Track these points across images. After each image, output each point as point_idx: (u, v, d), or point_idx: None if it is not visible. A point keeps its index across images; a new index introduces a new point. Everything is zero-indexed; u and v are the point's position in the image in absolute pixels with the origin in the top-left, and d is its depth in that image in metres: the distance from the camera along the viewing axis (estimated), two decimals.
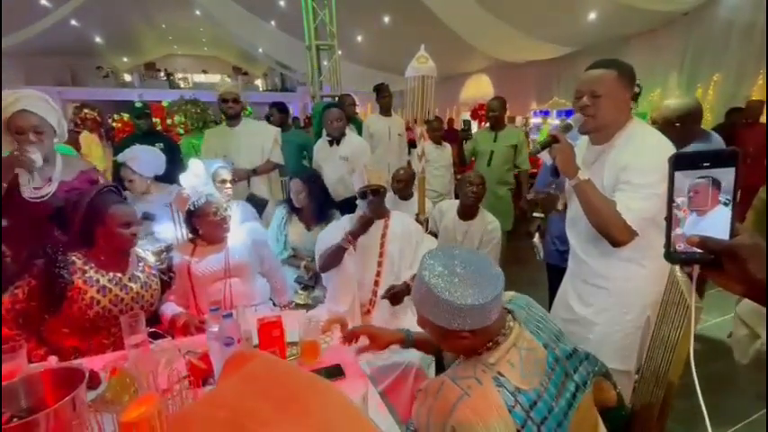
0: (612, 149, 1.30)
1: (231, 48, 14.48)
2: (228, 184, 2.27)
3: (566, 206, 1.65)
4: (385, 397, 1.18)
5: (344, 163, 2.94)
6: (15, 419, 0.81)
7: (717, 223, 0.53)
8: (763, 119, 4.11)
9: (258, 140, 2.85)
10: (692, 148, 1.97)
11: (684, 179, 0.54)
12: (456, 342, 0.84)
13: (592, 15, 6.60)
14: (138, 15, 11.45)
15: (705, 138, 2.14)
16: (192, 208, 1.67)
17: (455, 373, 0.85)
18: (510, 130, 3.32)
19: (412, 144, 3.83)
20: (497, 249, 2.43)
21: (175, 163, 3.06)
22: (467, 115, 9.50)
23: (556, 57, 8.32)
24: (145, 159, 2.21)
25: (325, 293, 1.98)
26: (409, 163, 3.57)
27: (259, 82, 17.69)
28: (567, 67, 8.27)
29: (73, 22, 10.57)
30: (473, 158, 3.40)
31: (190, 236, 1.76)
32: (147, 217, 2.01)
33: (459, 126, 9.26)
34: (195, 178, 1.73)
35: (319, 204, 2.25)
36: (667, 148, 1.26)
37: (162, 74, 15.84)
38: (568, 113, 5.15)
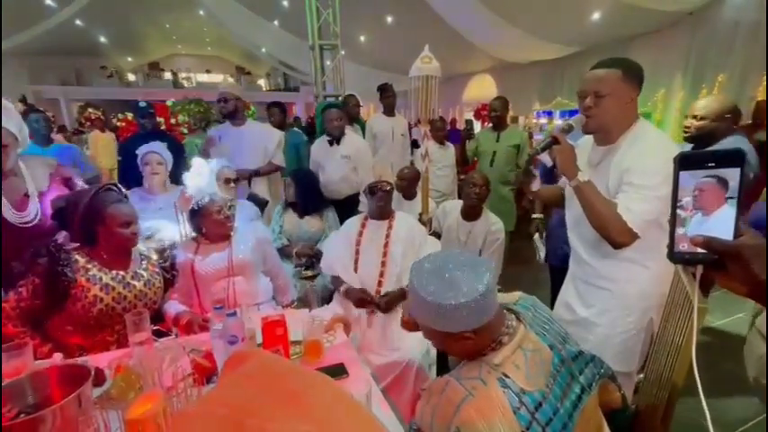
0: (618, 151, 1.28)
1: (234, 48, 14.53)
2: (232, 184, 2.28)
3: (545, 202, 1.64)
4: (387, 395, 1.18)
5: (347, 161, 2.95)
6: (22, 415, 0.82)
7: (721, 223, 0.52)
8: None
9: (262, 142, 2.87)
10: (726, 143, 1.97)
11: (689, 179, 0.54)
12: (461, 345, 0.84)
13: (596, 15, 6.58)
14: (142, 15, 11.51)
15: (735, 134, 2.10)
16: (195, 207, 1.68)
17: (459, 373, 0.85)
18: (512, 131, 3.32)
19: (414, 144, 3.84)
20: (501, 250, 2.43)
21: (179, 162, 3.07)
22: (470, 115, 9.49)
23: (559, 57, 8.30)
24: (166, 151, 2.25)
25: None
26: (412, 163, 3.57)
27: (262, 82, 17.74)
28: (571, 68, 8.25)
29: (77, 22, 10.63)
30: (475, 158, 3.40)
31: (193, 234, 1.77)
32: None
33: (461, 126, 9.26)
34: (199, 177, 1.74)
35: (308, 199, 2.50)
36: (671, 149, 1.24)
37: (166, 73, 15.90)
38: (572, 114, 5.14)
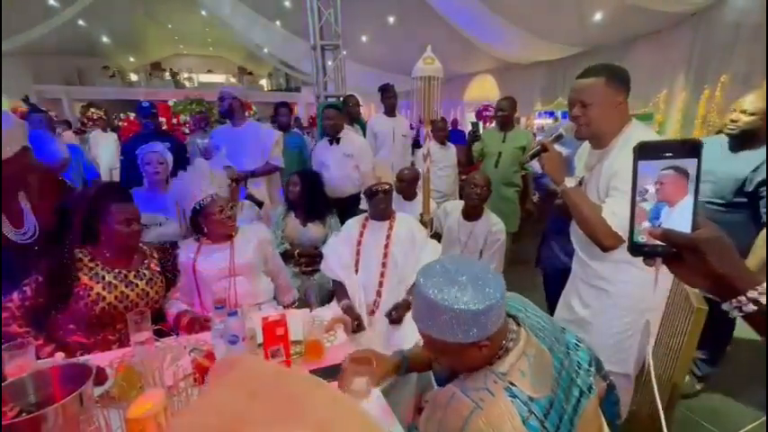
0: (609, 154, 1.31)
1: (236, 48, 14.54)
2: (233, 184, 2.29)
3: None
4: (387, 396, 1.18)
5: (349, 160, 2.96)
6: (24, 414, 0.82)
7: (680, 215, 0.52)
8: None
9: (258, 142, 2.86)
10: None
11: (649, 169, 0.54)
12: (474, 355, 0.79)
13: (598, 16, 6.57)
14: (144, 16, 11.54)
15: None
16: (197, 207, 1.68)
17: (464, 384, 0.81)
18: (519, 132, 3.30)
19: (416, 144, 3.84)
20: (501, 251, 2.43)
21: (182, 162, 3.08)
22: (472, 117, 9.47)
23: (561, 57, 8.28)
24: (166, 151, 2.28)
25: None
26: (413, 163, 3.57)
27: (264, 82, 17.76)
28: (573, 68, 8.22)
29: (80, 23, 10.65)
30: (480, 159, 3.39)
31: (195, 234, 1.77)
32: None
33: (462, 126, 9.25)
34: (201, 177, 1.74)
35: (313, 200, 2.42)
36: None
37: (168, 74, 15.93)
38: None
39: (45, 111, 3.55)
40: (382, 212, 1.93)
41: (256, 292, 1.77)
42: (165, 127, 6.38)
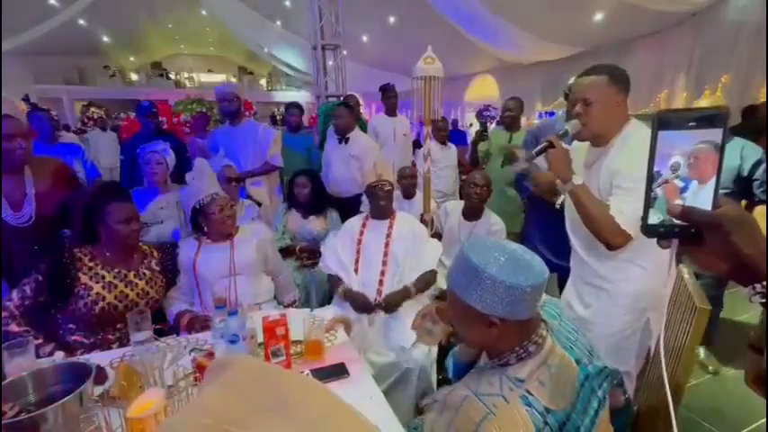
0: (609, 152, 1.31)
1: (237, 47, 14.55)
2: (234, 183, 2.29)
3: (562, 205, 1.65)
4: (388, 396, 1.18)
5: (354, 161, 2.96)
6: (24, 413, 0.82)
7: (701, 193, 0.48)
8: None
9: (256, 142, 2.85)
10: None
11: (671, 140, 0.49)
12: (484, 331, 0.79)
13: (598, 16, 6.57)
14: (144, 15, 11.55)
15: None
16: (197, 206, 1.68)
17: (479, 387, 0.79)
18: (524, 132, 3.29)
19: (416, 144, 3.84)
20: None
21: (182, 161, 3.07)
22: (473, 117, 9.48)
23: (562, 57, 8.29)
24: (167, 151, 2.27)
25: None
26: (413, 163, 3.57)
27: (264, 82, 17.76)
28: (574, 69, 8.16)
29: (81, 22, 10.67)
30: (485, 159, 3.37)
31: (195, 233, 1.77)
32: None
33: (463, 127, 9.25)
34: (202, 177, 1.74)
35: (318, 200, 2.49)
36: None
37: (168, 73, 15.94)
38: None
39: (47, 110, 3.54)
40: (383, 211, 1.93)
41: (257, 292, 1.77)
42: (165, 126, 6.38)
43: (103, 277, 1.45)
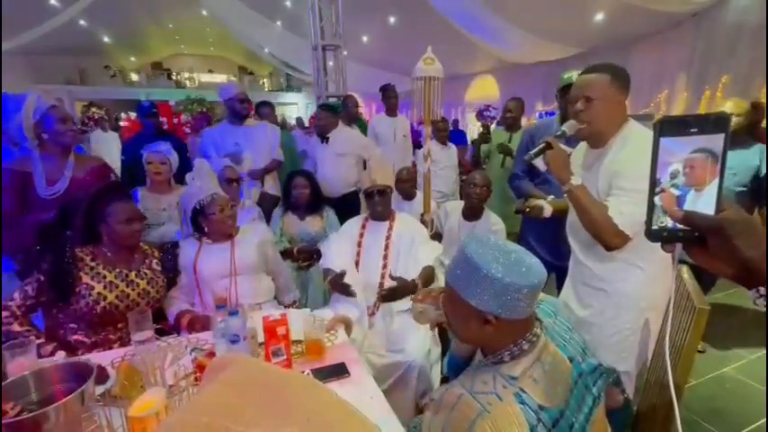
0: (608, 153, 1.31)
1: (237, 48, 14.56)
2: (235, 183, 2.29)
3: (554, 214, 1.67)
4: (388, 395, 1.18)
5: (342, 159, 2.96)
6: (26, 413, 0.82)
7: (704, 197, 0.48)
8: None
9: (267, 140, 2.88)
10: None
11: (672, 147, 0.49)
12: (479, 328, 0.80)
13: (599, 16, 6.57)
14: (145, 15, 11.56)
15: None
16: (198, 206, 1.69)
17: (473, 386, 0.80)
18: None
19: (417, 145, 3.84)
20: None
21: (182, 162, 3.07)
22: (473, 117, 9.47)
23: (562, 58, 8.29)
24: (170, 151, 2.28)
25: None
26: (414, 163, 3.57)
27: (264, 82, 17.77)
28: (574, 69, 8.22)
29: (81, 22, 10.69)
30: (486, 159, 3.37)
31: (196, 234, 1.78)
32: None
33: (463, 127, 9.25)
34: (202, 177, 1.75)
35: (315, 199, 2.48)
36: None
37: (169, 73, 15.95)
38: None
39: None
40: (381, 213, 1.94)
41: (257, 292, 1.77)
42: (165, 126, 6.39)
43: (105, 277, 1.46)
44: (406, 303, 1.75)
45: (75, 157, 1.89)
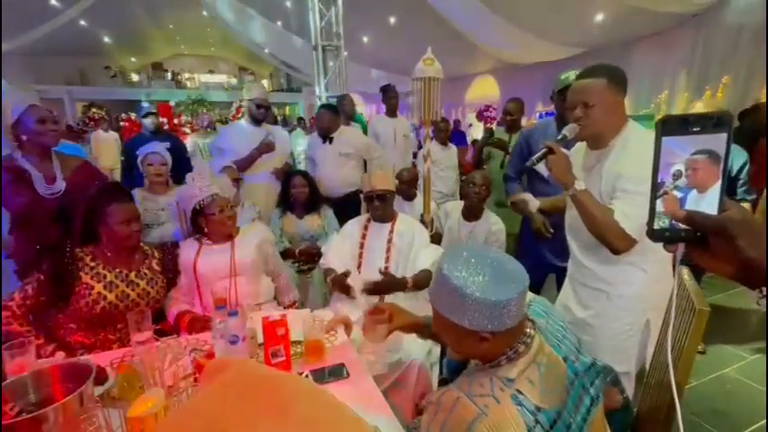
0: (609, 155, 1.30)
1: (238, 48, 14.54)
2: (235, 183, 2.29)
3: (549, 211, 1.67)
4: (388, 396, 1.18)
5: (344, 159, 2.96)
6: (24, 413, 0.82)
7: (706, 197, 0.48)
8: None
9: (281, 143, 2.87)
10: None
11: (674, 146, 0.49)
12: (475, 345, 0.79)
13: (599, 17, 6.57)
14: (145, 16, 11.56)
15: None
16: (198, 207, 1.69)
17: (471, 388, 0.80)
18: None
19: (417, 146, 3.84)
20: (502, 250, 2.43)
21: (183, 162, 3.07)
22: (473, 117, 9.47)
23: (563, 58, 8.28)
24: (166, 152, 2.28)
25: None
26: (414, 164, 3.57)
27: (265, 82, 17.78)
28: (575, 69, 8.22)
29: (82, 23, 10.69)
30: (487, 160, 3.37)
31: (196, 234, 1.77)
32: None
33: (463, 128, 9.25)
34: (201, 177, 1.75)
35: (313, 198, 2.49)
36: None
37: (169, 74, 15.96)
38: None
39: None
40: (382, 215, 1.93)
41: (257, 292, 1.77)
42: (166, 127, 6.39)
43: (105, 277, 1.46)
44: (404, 302, 1.75)
45: (58, 156, 1.83)
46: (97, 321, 1.45)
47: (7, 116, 1.69)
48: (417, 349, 1.65)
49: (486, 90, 11.34)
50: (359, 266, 1.90)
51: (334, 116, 3.01)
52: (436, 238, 2.45)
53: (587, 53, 7.73)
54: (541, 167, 1.40)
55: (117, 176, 5.27)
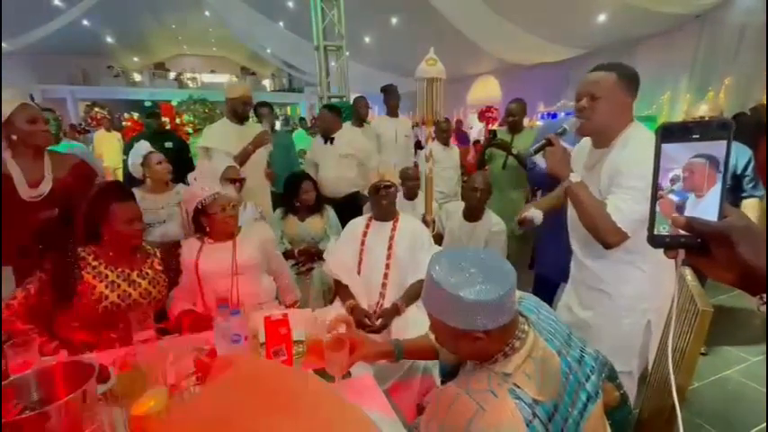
0: (611, 153, 1.30)
1: (239, 48, 14.60)
2: (237, 183, 2.29)
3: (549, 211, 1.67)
4: (390, 396, 1.18)
5: (345, 160, 2.96)
6: (27, 411, 0.82)
7: (706, 203, 0.48)
8: None
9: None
10: None
11: (673, 152, 0.49)
12: (470, 345, 0.80)
13: (602, 17, 6.56)
14: (148, 16, 11.61)
15: None
16: (199, 206, 1.69)
17: (469, 385, 0.81)
18: (527, 134, 3.28)
19: (418, 145, 3.84)
20: (503, 251, 2.43)
21: (184, 162, 3.08)
22: (475, 118, 9.48)
23: (565, 59, 8.28)
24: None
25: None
26: (415, 164, 3.58)
27: (267, 82, 17.81)
28: (576, 70, 8.21)
29: (84, 23, 10.73)
30: (487, 160, 3.37)
31: (198, 233, 1.78)
32: None
33: (466, 128, 9.24)
34: (203, 177, 1.75)
35: (317, 200, 2.48)
36: None
37: (171, 74, 16.00)
38: None
39: (52, 110, 3.54)
40: (386, 212, 1.93)
41: (259, 292, 1.77)
42: (168, 127, 6.40)
43: (107, 276, 1.46)
44: (416, 311, 1.75)
45: (53, 156, 1.78)
46: (99, 321, 1.45)
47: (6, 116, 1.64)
48: None
49: (487, 90, 11.33)
50: (359, 265, 1.90)
51: (335, 117, 3.02)
52: (437, 239, 2.45)
53: (590, 54, 7.73)
54: (540, 159, 1.41)
55: (119, 176, 5.29)
